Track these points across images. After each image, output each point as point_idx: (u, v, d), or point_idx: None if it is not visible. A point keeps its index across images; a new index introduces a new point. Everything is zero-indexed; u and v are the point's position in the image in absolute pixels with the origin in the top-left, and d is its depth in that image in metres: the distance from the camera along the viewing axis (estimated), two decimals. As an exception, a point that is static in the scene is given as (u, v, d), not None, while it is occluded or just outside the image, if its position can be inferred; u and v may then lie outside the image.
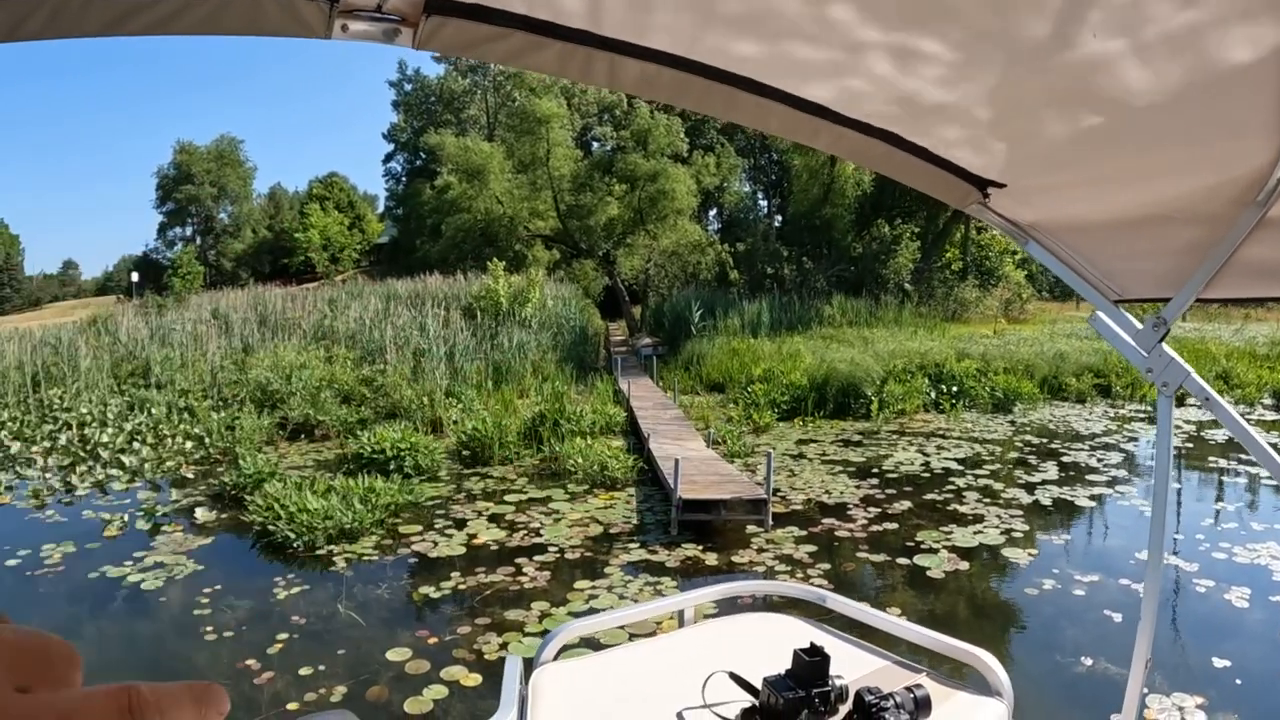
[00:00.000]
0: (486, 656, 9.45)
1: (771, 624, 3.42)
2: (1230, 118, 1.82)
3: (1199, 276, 2.43)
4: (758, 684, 2.53)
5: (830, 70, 1.99)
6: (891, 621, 3.28)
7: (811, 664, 2.47)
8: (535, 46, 1.86)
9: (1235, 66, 1.59)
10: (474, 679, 8.95)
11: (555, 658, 3.11)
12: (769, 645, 3.00)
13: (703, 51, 1.96)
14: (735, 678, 2.63)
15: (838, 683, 2.48)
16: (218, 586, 11.74)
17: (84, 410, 22.64)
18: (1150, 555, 2.91)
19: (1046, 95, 1.88)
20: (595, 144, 62.85)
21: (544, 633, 9.78)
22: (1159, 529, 2.85)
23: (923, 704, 2.46)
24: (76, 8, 1.46)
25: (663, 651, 3.23)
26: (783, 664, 2.53)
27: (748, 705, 2.54)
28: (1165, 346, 2.62)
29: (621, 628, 7.88)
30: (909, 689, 2.49)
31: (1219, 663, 9.08)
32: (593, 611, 10.56)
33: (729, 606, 3.95)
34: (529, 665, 2.98)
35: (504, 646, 9.70)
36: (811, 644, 2.52)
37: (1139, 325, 2.67)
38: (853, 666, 2.88)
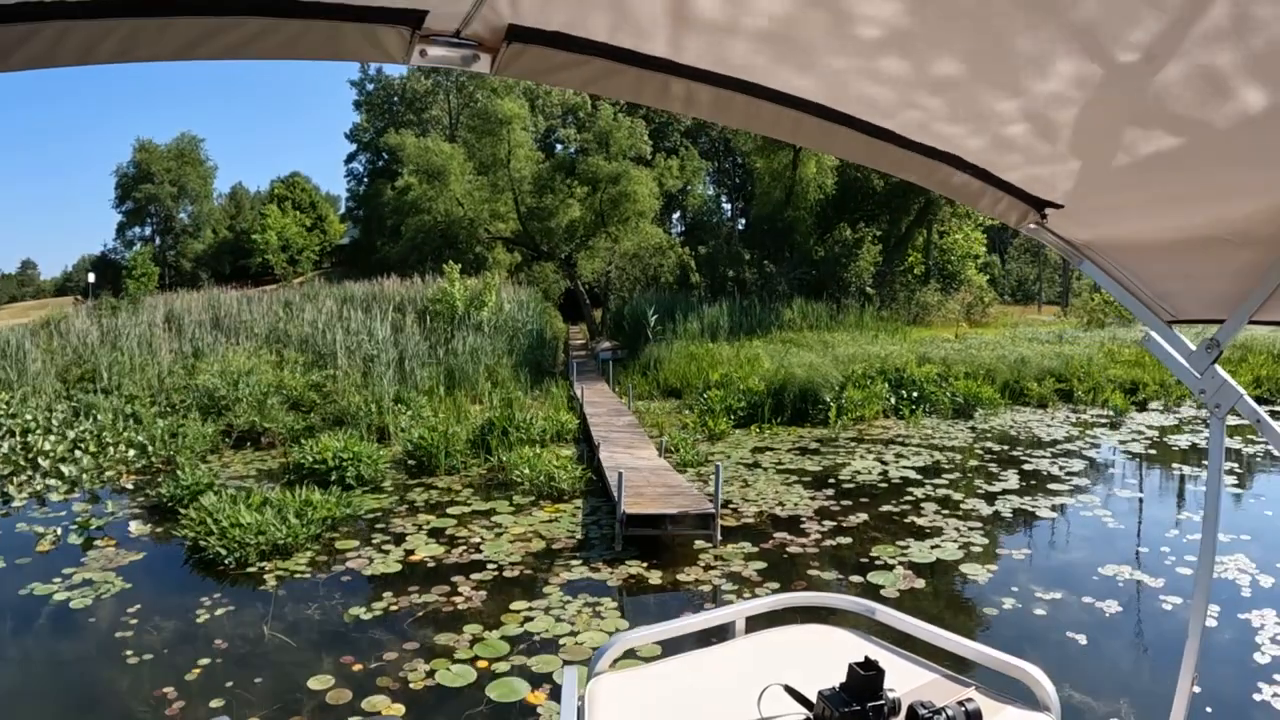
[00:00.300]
0: (411, 685, 9.01)
1: (821, 635, 3.55)
2: None
3: (1253, 299, 2.46)
4: (811, 696, 2.59)
5: (898, 99, 2.06)
6: (940, 635, 3.33)
7: (866, 678, 2.52)
8: (613, 73, 1.93)
9: None
10: (397, 709, 8.51)
11: (610, 667, 3.20)
12: (819, 657, 3.19)
13: (777, 80, 2.04)
14: (791, 691, 2.68)
15: (891, 696, 2.54)
16: (144, 606, 11.29)
17: (29, 416, 22.00)
18: (1199, 577, 2.98)
19: (1127, 117, 1.86)
20: (559, 146, 62.72)
21: (473, 659, 9.61)
22: (1209, 554, 2.92)
23: (974, 718, 2.52)
24: (153, 30, 1.51)
25: (717, 662, 3.34)
26: (834, 676, 2.61)
27: (802, 718, 2.61)
28: (1218, 368, 2.64)
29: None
30: (960, 703, 2.54)
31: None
32: (530, 635, 10.26)
33: (771, 617, 3.87)
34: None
35: (431, 674, 9.25)
36: (866, 658, 2.57)
37: (1192, 346, 2.69)
38: (903, 679, 2.93)
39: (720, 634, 3.65)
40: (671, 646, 3.84)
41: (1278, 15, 1.35)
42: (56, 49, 1.48)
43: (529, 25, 1.76)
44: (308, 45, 1.65)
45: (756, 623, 3.74)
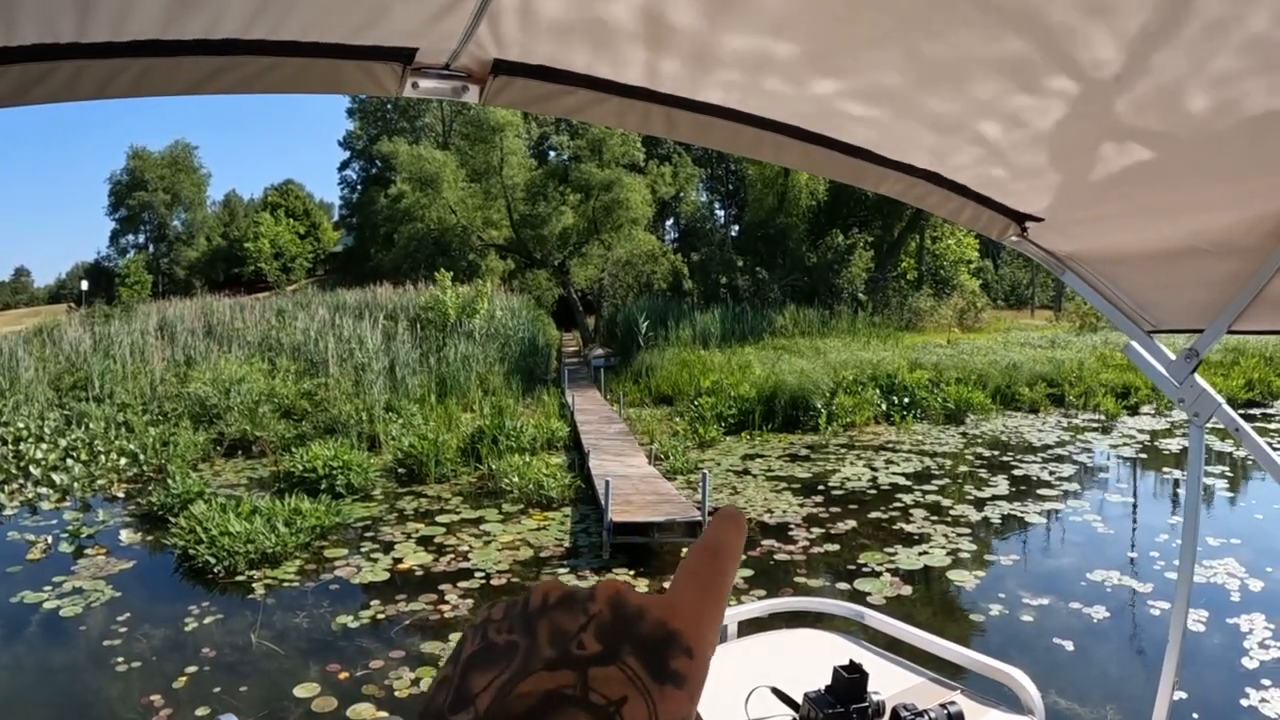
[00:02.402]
0: (397, 694, 9.02)
1: (811, 640, 3.65)
2: (1274, 154, 1.81)
3: (1231, 309, 2.47)
4: (798, 699, 2.66)
5: (874, 119, 2.09)
6: (927, 639, 3.47)
7: (850, 681, 2.60)
8: (596, 101, 1.99)
9: None
10: (381, 717, 8.52)
11: None
12: (808, 661, 3.26)
13: (754, 105, 2.09)
14: (777, 692, 2.77)
15: (875, 698, 2.60)
16: (134, 614, 11.33)
17: (21, 425, 21.95)
18: (1179, 585, 2.93)
19: (1103, 131, 1.87)
20: (552, 153, 62.64)
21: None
22: (1189, 559, 2.87)
23: None
24: (165, 69, 1.59)
25: None
26: (822, 679, 2.68)
27: (788, 719, 2.69)
28: (1197, 377, 2.65)
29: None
30: (943, 705, 2.62)
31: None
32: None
33: (762, 621, 4.00)
34: None
35: (417, 683, 9.26)
36: (851, 661, 2.66)
37: (1172, 356, 2.71)
38: (889, 682, 3.04)
39: None
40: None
41: (1249, 36, 1.38)
42: (73, 85, 1.55)
43: (514, 59, 1.83)
44: (308, 81, 1.73)
45: (748, 627, 3.81)
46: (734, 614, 3.74)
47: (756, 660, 3.40)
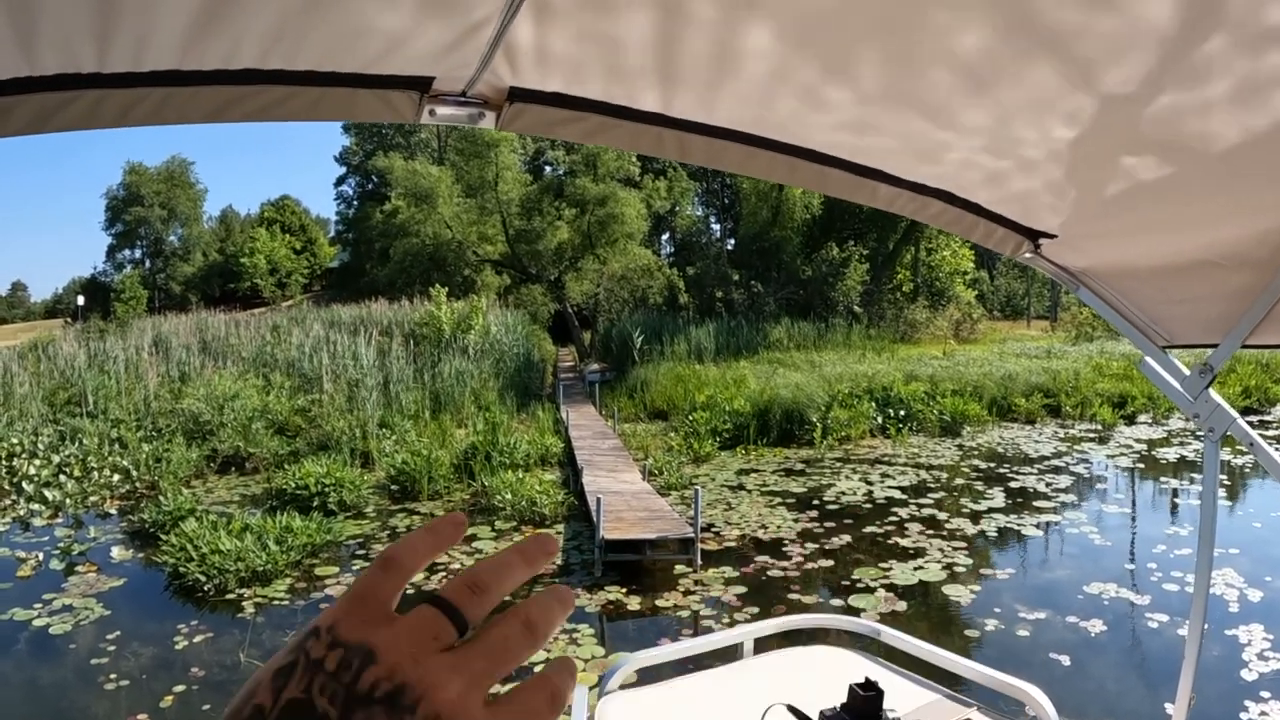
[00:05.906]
0: (382, 714, 8.96)
1: (827, 657, 3.68)
2: None
3: (1245, 323, 2.46)
4: (814, 716, 2.67)
5: (888, 140, 2.12)
6: (943, 656, 3.47)
7: (867, 698, 2.63)
8: (610, 127, 2.03)
9: None
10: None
11: (619, 688, 3.37)
12: (824, 678, 3.28)
13: (766, 128, 2.13)
14: (794, 710, 2.75)
15: (891, 716, 2.63)
16: (123, 632, 11.33)
17: (14, 440, 21.84)
18: (1194, 600, 2.96)
19: (1118, 146, 1.88)
20: (547, 168, 62.62)
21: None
22: (1204, 573, 2.88)
23: None
24: (185, 97, 1.64)
25: (723, 683, 3.51)
26: (838, 697, 2.72)
27: None
28: (1212, 392, 2.64)
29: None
30: None
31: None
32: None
33: (778, 638, 4.02)
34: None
35: (405, 703, 9.20)
36: (866, 679, 2.70)
37: (1186, 370, 2.71)
38: (905, 699, 3.07)
39: (730, 654, 3.75)
40: (679, 667, 3.87)
41: (1264, 48, 1.37)
42: (94, 114, 1.59)
43: (529, 87, 1.88)
44: (326, 108, 1.78)
45: (764, 644, 3.85)
46: (749, 631, 3.76)
47: (771, 678, 3.43)
